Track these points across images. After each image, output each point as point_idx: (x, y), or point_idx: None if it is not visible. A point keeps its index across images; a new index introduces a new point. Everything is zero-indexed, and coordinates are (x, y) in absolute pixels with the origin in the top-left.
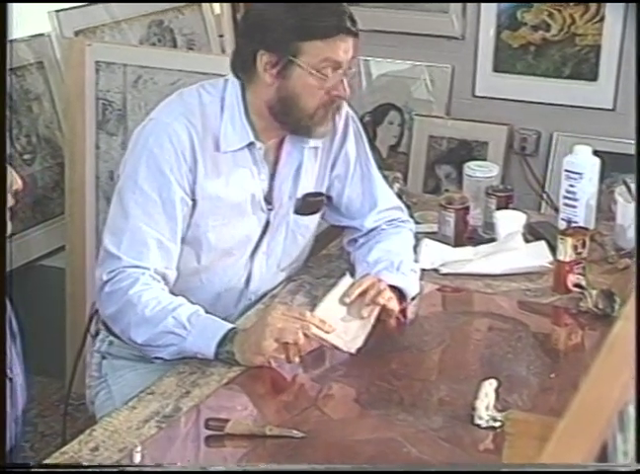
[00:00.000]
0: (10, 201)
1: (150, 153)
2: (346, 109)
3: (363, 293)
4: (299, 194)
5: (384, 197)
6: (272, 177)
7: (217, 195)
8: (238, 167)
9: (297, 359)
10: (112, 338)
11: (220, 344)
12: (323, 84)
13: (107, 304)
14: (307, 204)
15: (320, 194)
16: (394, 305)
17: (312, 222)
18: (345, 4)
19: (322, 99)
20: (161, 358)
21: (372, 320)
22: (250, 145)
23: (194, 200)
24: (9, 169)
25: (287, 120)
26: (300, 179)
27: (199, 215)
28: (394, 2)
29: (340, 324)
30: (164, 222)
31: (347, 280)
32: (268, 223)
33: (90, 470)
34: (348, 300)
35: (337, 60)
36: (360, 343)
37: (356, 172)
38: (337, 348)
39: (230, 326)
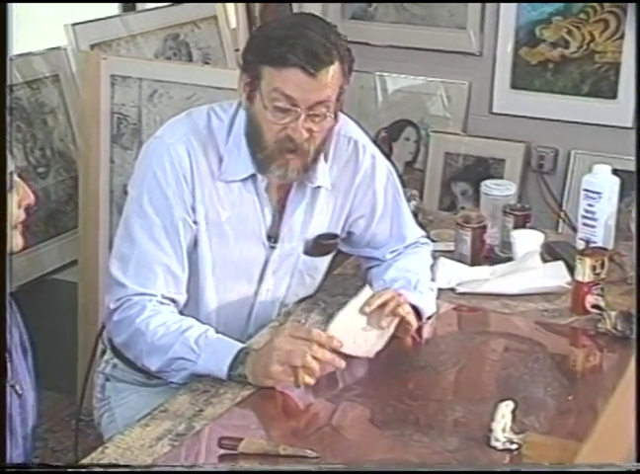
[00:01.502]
0: (22, 216)
1: (153, 175)
2: (371, 149)
3: (383, 305)
4: (310, 234)
5: (412, 234)
6: (278, 213)
7: (217, 222)
8: (241, 198)
9: (311, 381)
10: (116, 360)
11: (232, 367)
12: (277, 118)
13: (117, 333)
14: (319, 246)
15: (334, 235)
16: (413, 319)
17: (322, 264)
18: (323, 40)
19: (277, 135)
20: (177, 383)
21: (391, 330)
22: (252, 177)
23: (196, 223)
24: (22, 183)
25: (251, 151)
26: (313, 219)
27: (199, 242)
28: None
29: (360, 333)
30: (169, 247)
31: (367, 291)
32: (269, 260)
33: (90, 470)
34: (368, 310)
35: (287, 94)
36: (379, 347)
37: (385, 212)
38: (355, 357)
39: (240, 346)
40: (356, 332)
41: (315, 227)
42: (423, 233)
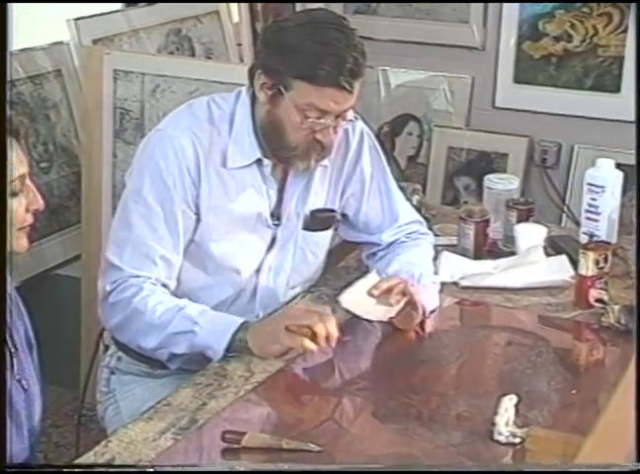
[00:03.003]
0: (29, 220)
1: (155, 165)
2: (360, 126)
3: (390, 290)
4: (307, 210)
5: (404, 212)
6: (279, 193)
7: (223, 210)
8: (246, 184)
9: (313, 347)
10: (120, 353)
11: (234, 334)
12: (307, 124)
13: (111, 314)
14: (316, 221)
15: (330, 210)
16: (420, 301)
17: (322, 239)
18: (353, 53)
19: (306, 137)
20: (174, 356)
21: (401, 304)
22: (258, 162)
23: (197, 215)
24: (32, 188)
25: (270, 145)
26: (309, 195)
27: (203, 230)
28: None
29: (370, 305)
30: (167, 235)
31: (374, 276)
32: (275, 239)
33: (90, 470)
34: (375, 293)
35: (322, 109)
36: (391, 315)
37: (372, 189)
38: (369, 320)
39: (243, 320)
40: (366, 304)
41: (312, 203)
42: (418, 216)
